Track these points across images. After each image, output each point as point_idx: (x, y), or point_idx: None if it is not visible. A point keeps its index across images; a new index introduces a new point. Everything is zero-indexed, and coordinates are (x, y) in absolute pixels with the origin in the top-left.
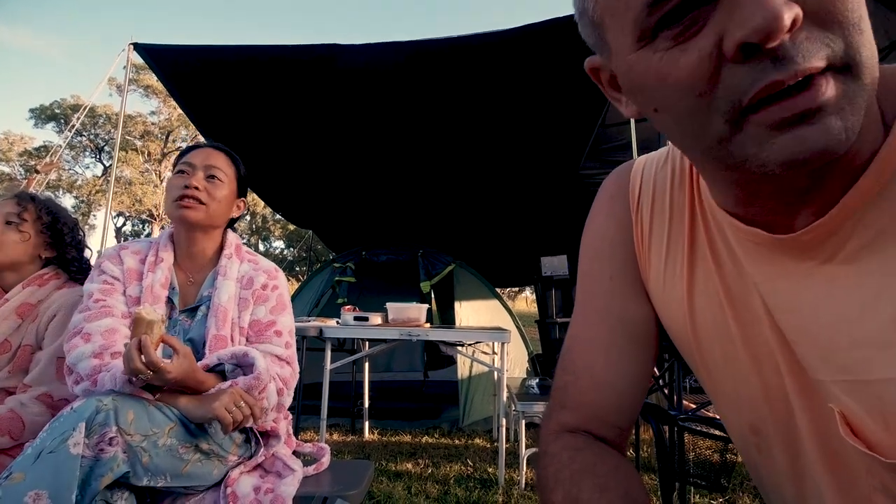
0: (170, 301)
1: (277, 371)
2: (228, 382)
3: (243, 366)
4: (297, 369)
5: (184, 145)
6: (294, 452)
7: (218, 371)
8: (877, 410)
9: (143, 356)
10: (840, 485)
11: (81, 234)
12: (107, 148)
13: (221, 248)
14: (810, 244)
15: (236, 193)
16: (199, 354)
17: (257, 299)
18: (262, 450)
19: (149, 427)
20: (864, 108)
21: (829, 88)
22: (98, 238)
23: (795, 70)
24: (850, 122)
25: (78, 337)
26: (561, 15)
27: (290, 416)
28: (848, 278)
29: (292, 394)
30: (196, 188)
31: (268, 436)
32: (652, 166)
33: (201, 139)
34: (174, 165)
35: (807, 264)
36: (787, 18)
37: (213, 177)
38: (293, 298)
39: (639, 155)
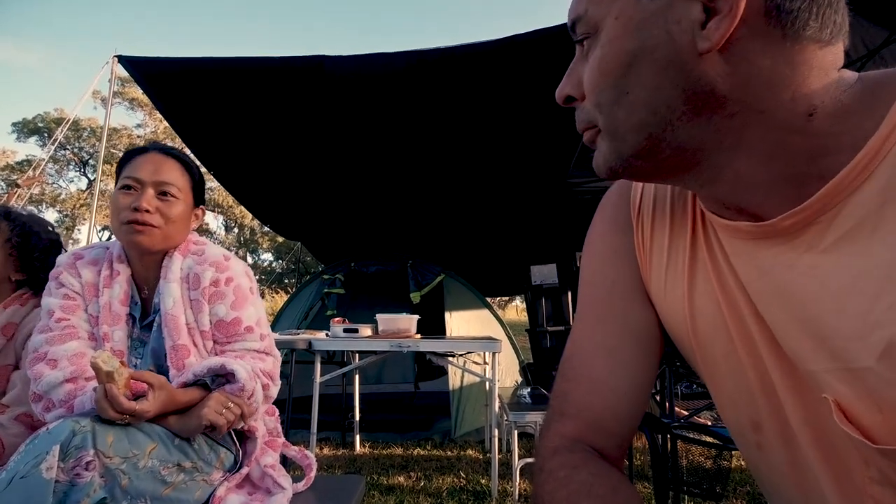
0: (131, 316)
1: (260, 366)
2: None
3: (224, 374)
4: (278, 355)
5: None
6: (282, 458)
7: (199, 384)
8: (867, 396)
9: (114, 405)
10: (837, 477)
11: (61, 252)
12: (91, 161)
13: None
14: (789, 231)
15: (192, 205)
16: (163, 366)
17: (211, 298)
18: (244, 459)
19: (129, 449)
20: (618, 148)
21: (590, 136)
22: None
23: (577, 124)
24: (602, 157)
25: (42, 363)
26: (549, 25)
27: (277, 413)
28: (826, 268)
29: (279, 383)
30: (147, 210)
31: (245, 438)
32: None
33: (188, 152)
34: (117, 174)
35: (789, 255)
36: (559, 97)
37: (165, 193)
38: (282, 312)
39: None
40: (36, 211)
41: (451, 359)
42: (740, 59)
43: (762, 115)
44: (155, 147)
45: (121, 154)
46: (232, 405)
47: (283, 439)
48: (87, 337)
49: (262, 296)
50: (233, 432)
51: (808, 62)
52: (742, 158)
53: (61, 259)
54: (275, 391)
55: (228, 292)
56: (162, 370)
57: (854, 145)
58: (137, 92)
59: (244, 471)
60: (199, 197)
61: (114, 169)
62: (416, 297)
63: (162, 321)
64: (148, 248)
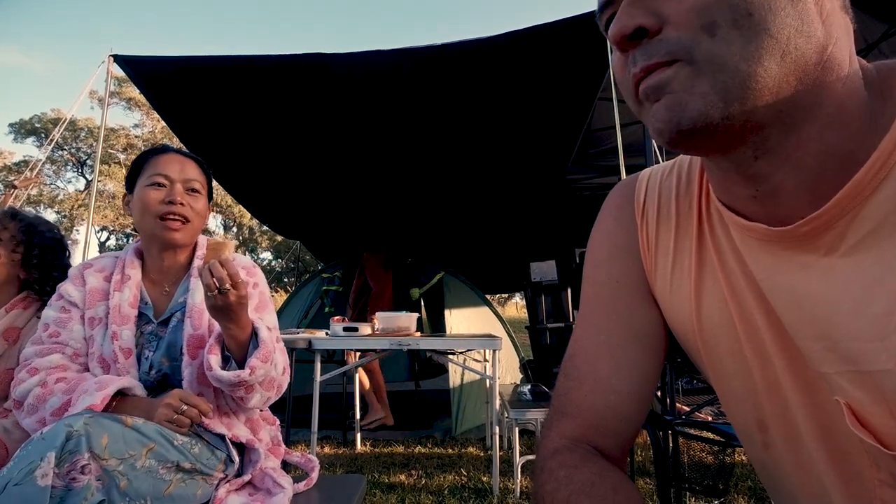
0: (143, 316)
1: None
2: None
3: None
4: (288, 369)
5: None
6: (283, 463)
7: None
8: (881, 400)
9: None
10: (844, 479)
11: (64, 255)
12: (89, 162)
13: (193, 251)
14: (807, 237)
15: (208, 200)
16: (178, 360)
17: None
18: (249, 468)
19: (125, 450)
20: (724, 85)
21: (665, 77)
22: (80, 253)
23: (639, 66)
24: (699, 99)
25: (24, 371)
26: (547, 21)
27: (277, 423)
28: (844, 271)
29: (283, 388)
30: (181, 203)
31: (247, 450)
32: (657, 176)
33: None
34: (138, 172)
35: (806, 258)
36: (626, 29)
37: (193, 190)
38: (281, 310)
39: (624, 159)
40: (34, 212)
41: (451, 356)
42: (831, 11)
43: (840, 71)
44: (170, 149)
45: (119, 154)
46: (185, 408)
47: (283, 448)
48: (72, 354)
49: None
50: (230, 443)
51: (851, 35)
52: (808, 125)
53: (71, 271)
54: (284, 383)
55: (255, 295)
56: (174, 364)
57: (858, 150)
58: (134, 92)
59: (245, 477)
60: (210, 195)
61: (111, 169)
62: (415, 294)
63: (187, 312)
64: (182, 242)
